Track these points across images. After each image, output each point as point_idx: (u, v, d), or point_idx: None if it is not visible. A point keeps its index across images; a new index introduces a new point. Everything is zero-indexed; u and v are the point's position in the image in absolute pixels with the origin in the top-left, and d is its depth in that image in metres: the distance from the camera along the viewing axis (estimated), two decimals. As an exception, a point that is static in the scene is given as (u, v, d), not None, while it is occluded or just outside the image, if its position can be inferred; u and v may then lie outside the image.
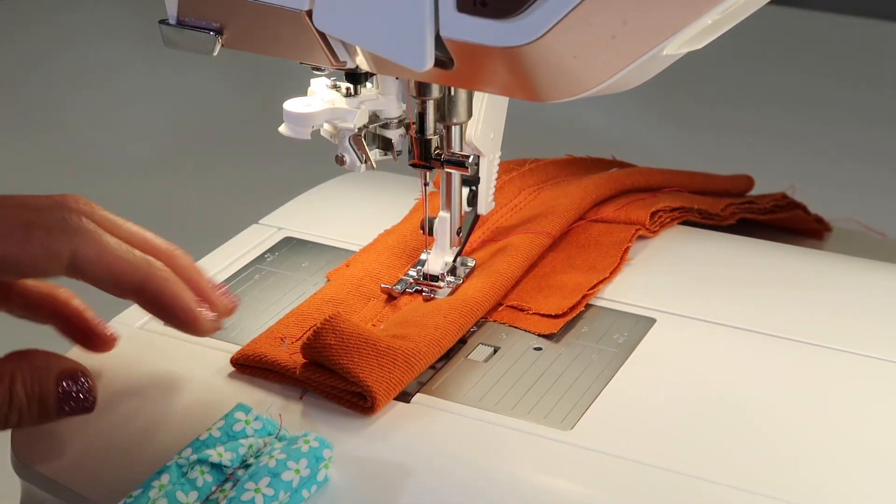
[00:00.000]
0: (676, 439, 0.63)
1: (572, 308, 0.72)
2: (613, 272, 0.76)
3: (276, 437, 0.62)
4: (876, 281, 0.77)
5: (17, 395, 0.61)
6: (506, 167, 0.85)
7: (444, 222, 0.73)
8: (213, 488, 0.59)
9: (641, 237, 0.80)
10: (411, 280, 0.74)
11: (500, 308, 0.73)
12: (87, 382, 0.62)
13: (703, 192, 0.86)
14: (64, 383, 0.61)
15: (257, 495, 0.58)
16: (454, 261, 0.74)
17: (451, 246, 0.74)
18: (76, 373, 0.62)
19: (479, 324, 0.72)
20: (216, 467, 0.60)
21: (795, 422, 0.64)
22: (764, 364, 0.69)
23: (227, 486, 0.59)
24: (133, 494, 0.59)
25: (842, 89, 1.36)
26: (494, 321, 0.73)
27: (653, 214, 0.80)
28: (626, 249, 0.78)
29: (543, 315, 0.72)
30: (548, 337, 0.71)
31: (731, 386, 0.67)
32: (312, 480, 0.60)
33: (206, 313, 0.63)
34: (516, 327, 0.72)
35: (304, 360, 0.66)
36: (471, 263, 0.75)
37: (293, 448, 0.60)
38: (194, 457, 0.60)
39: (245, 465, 0.60)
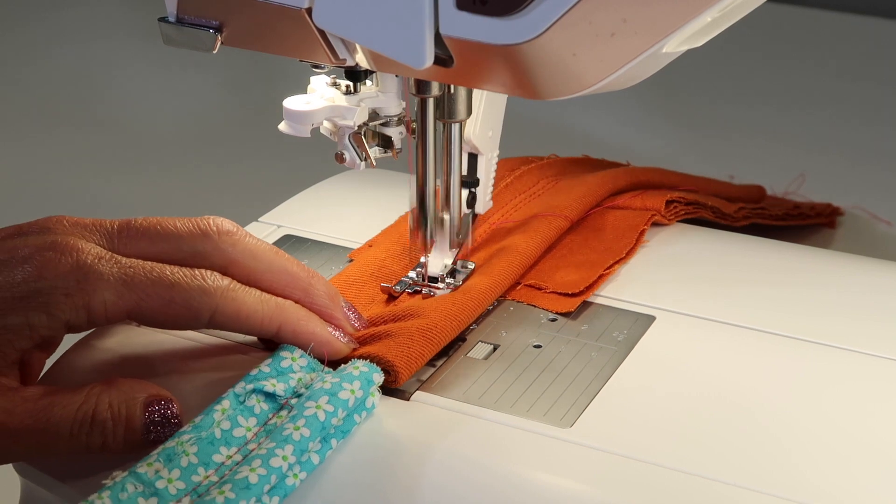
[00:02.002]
0: (676, 437, 0.63)
1: (589, 287, 0.74)
2: (629, 253, 0.77)
3: (322, 371, 0.65)
4: (878, 279, 0.77)
5: (99, 416, 0.60)
6: (522, 161, 0.86)
7: (444, 224, 0.74)
8: (270, 415, 0.62)
9: (656, 223, 0.81)
10: (410, 281, 0.74)
11: (518, 287, 0.75)
12: (175, 409, 0.62)
13: (716, 195, 0.87)
14: (151, 409, 0.61)
15: (318, 411, 0.61)
16: (453, 263, 0.74)
17: (451, 248, 0.74)
18: (164, 399, 0.62)
19: (498, 301, 0.73)
20: (270, 397, 0.63)
21: (796, 419, 0.64)
22: (764, 362, 0.69)
23: (283, 412, 0.62)
24: (195, 421, 0.61)
25: (844, 87, 1.36)
26: (512, 300, 0.74)
27: (668, 203, 0.82)
28: (642, 232, 0.79)
29: (560, 293, 0.74)
30: (565, 315, 0.72)
31: (731, 383, 0.67)
32: (362, 406, 0.63)
33: (340, 338, 0.66)
34: (534, 305, 0.73)
35: None
36: (470, 266, 0.75)
37: (345, 373, 0.63)
38: (250, 387, 0.62)
39: (297, 395, 0.63)
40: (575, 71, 0.58)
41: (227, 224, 0.66)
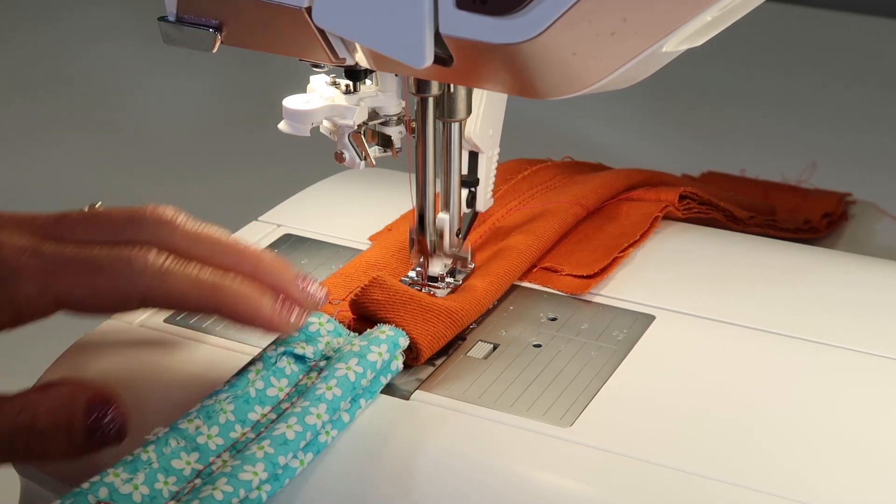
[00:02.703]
0: (676, 436, 0.63)
1: (603, 269, 0.75)
2: (643, 236, 0.79)
3: (349, 335, 0.67)
4: (879, 278, 0.77)
5: (40, 424, 0.58)
6: (538, 161, 0.88)
7: (444, 223, 0.73)
8: (300, 376, 0.64)
9: (668, 216, 0.82)
10: (409, 280, 0.74)
11: (534, 270, 0.76)
12: (118, 410, 0.59)
13: (730, 202, 0.90)
14: (93, 413, 0.58)
15: (349, 372, 0.63)
16: (453, 262, 0.74)
17: (451, 248, 0.74)
18: (107, 401, 0.59)
19: (513, 287, 0.75)
20: (300, 359, 0.65)
21: (796, 418, 0.65)
22: (764, 361, 0.69)
23: (313, 374, 0.64)
24: (230, 380, 0.63)
25: (844, 87, 1.36)
26: (528, 283, 0.75)
27: (682, 198, 0.83)
28: (657, 218, 0.80)
29: (575, 276, 0.75)
30: (578, 297, 0.74)
31: (731, 383, 0.67)
32: (388, 369, 0.66)
33: (282, 315, 0.63)
34: (549, 288, 0.75)
35: (352, 317, 0.69)
36: (470, 266, 0.75)
37: (372, 337, 0.66)
38: (280, 349, 0.65)
39: (325, 358, 0.65)
40: (575, 70, 0.58)
41: (166, 211, 0.63)
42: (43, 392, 0.59)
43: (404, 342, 0.66)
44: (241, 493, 0.58)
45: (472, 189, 0.75)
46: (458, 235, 0.74)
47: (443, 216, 0.73)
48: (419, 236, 0.73)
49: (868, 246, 0.97)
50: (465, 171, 0.75)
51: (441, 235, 0.73)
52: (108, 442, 0.59)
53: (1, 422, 0.57)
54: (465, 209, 0.75)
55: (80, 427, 0.58)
